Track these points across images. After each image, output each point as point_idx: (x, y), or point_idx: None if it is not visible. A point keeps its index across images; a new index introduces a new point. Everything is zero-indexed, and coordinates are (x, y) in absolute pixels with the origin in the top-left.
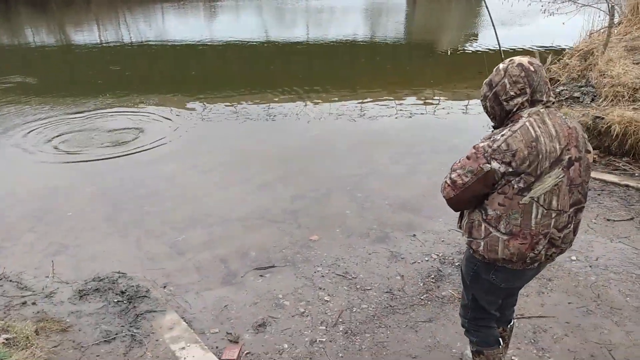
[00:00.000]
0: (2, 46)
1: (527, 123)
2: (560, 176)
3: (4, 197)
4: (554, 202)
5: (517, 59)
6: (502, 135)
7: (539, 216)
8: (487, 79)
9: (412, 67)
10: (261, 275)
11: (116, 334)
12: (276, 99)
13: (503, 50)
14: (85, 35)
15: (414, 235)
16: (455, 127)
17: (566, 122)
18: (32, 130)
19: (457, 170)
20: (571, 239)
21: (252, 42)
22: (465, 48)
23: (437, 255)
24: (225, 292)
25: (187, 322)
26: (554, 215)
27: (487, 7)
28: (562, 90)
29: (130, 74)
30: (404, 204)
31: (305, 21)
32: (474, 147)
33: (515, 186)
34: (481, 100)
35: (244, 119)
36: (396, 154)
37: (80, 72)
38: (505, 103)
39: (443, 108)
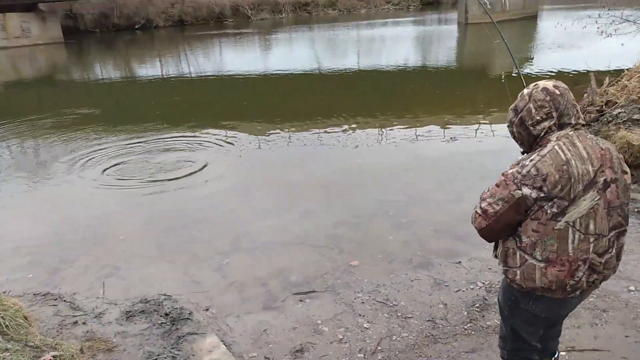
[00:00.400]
0: (73, 81)
1: (556, 147)
2: (596, 199)
3: (63, 221)
4: (592, 226)
5: (542, 83)
6: (531, 160)
7: (576, 241)
8: (513, 105)
9: (463, 92)
10: (301, 300)
11: (158, 355)
12: (325, 127)
13: (559, 73)
14: (148, 69)
15: (459, 262)
16: (503, 153)
17: (598, 143)
18: (92, 158)
19: (488, 199)
20: (614, 265)
21: (304, 72)
22: (522, 72)
23: (483, 283)
24: (265, 316)
25: (226, 346)
26: (592, 239)
27: (500, 34)
28: (620, 112)
29: (187, 104)
30: (449, 230)
31: (356, 50)
32: (503, 174)
33: (549, 211)
34: (508, 127)
35: (294, 145)
36: (442, 180)
37: (142, 103)
38: (532, 128)
39: (492, 133)
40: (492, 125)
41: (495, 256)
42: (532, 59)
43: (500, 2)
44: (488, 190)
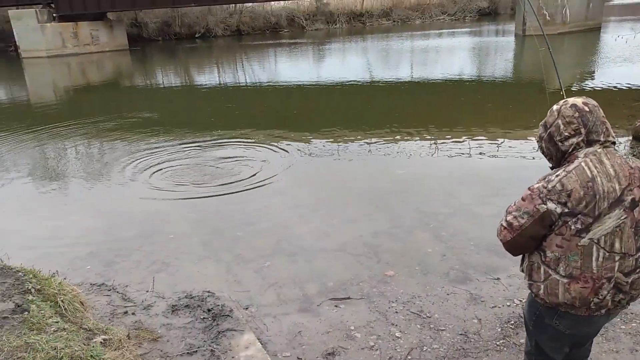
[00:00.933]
0: (136, 86)
1: (582, 163)
2: (622, 217)
3: (120, 218)
4: (617, 245)
5: (571, 99)
6: (557, 176)
7: (600, 259)
8: (543, 120)
9: (517, 106)
10: (336, 306)
11: (198, 348)
12: (373, 136)
13: (619, 88)
14: (207, 76)
15: (498, 278)
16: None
17: (628, 162)
18: (148, 160)
19: (513, 213)
20: None
21: (356, 81)
22: (581, 87)
23: (520, 301)
24: (300, 318)
25: (262, 344)
26: (617, 258)
27: (548, 46)
28: None
29: (241, 112)
30: (490, 246)
31: (409, 61)
32: (529, 189)
33: (573, 227)
34: (537, 142)
35: (342, 155)
36: (486, 194)
37: (199, 109)
38: (560, 144)
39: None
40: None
41: (522, 270)
42: (593, 73)
43: (561, 13)
44: (514, 204)
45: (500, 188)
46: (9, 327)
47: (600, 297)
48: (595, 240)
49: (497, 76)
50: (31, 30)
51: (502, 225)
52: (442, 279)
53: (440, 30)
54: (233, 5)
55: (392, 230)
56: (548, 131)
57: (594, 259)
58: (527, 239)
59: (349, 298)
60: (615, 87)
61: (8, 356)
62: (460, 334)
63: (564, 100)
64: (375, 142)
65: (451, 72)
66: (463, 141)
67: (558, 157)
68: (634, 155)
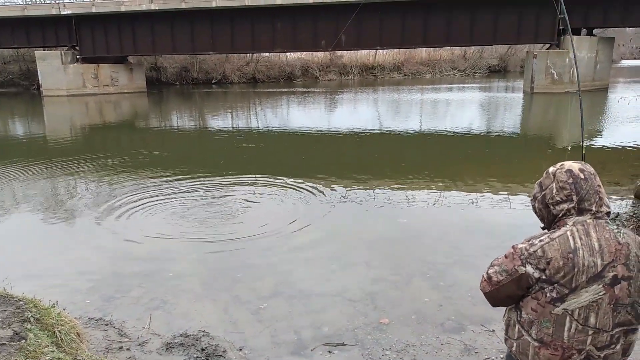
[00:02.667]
0: (152, 128)
1: (568, 232)
2: (600, 293)
3: (123, 253)
4: (592, 319)
5: (568, 164)
6: (540, 241)
7: (572, 330)
8: (539, 180)
9: (523, 161)
10: (329, 352)
11: None
12: (379, 185)
13: (624, 148)
14: (220, 121)
15: (493, 330)
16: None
17: (617, 237)
18: (155, 198)
19: (495, 267)
20: None
21: (367, 131)
22: (589, 144)
23: None
24: None
25: None
26: (590, 332)
27: (580, 103)
28: None
29: (250, 156)
30: None
31: (419, 113)
32: (513, 247)
33: (548, 295)
34: (531, 200)
35: (346, 200)
36: (488, 247)
37: (209, 152)
38: (551, 207)
39: None
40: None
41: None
42: (601, 132)
43: (569, 73)
44: (498, 259)
45: (502, 241)
46: (6, 354)
47: None
48: (569, 312)
49: (504, 131)
50: (55, 70)
51: (483, 275)
52: (437, 328)
53: (451, 85)
54: (250, 54)
55: (391, 278)
56: (543, 193)
57: (565, 329)
58: (503, 295)
59: (343, 344)
60: (620, 146)
61: None
62: None
63: (561, 164)
64: (380, 190)
65: (460, 125)
66: (468, 193)
67: (549, 219)
68: (635, 219)
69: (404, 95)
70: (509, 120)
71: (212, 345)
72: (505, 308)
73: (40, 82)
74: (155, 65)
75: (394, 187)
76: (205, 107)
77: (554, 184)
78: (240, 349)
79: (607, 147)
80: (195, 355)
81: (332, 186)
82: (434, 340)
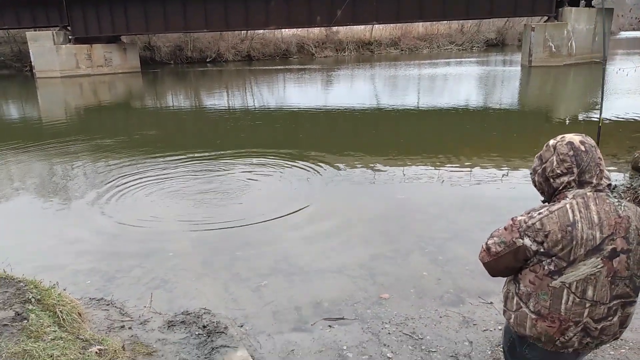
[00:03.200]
0: (147, 108)
1: (567, 205)
2: (598, 266)
3: (122, 236)
4: (589, 292)
5: (569, 136)
6: (539, 214)
7: (570, 303)
8: (539, 153)
9: (522, 135)
10: (330, 326)
11: None
12: (377, 162)
13: (623, 119)
14: (216, 100)
15: (491, 302)
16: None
17: (617, 210)
18: (153, 178)
19: (494, 238)
20: (614, 332)
21: (364, 108)
22: (587, 117)
23: None
24: (294, 337)
25: None
26: (588, 305)
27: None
28: None
29: (247, 134)
30: (485, 271)
31: (416, 89)
32: (512, 219)
33: (546, 267)
34: (530, 174)
35: (345, 179)
36: (485, 221)
37: (205, 131)
38: (552, 180)
39: None
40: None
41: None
42: (598, 103)
43: (567, 45)
44: (498, 230)
45: (499, 215)
46: (8, 334)
47: (566, 337)
48: (567, 285)
49: (503, 106)
50: (47, 52)
51: (482, 246)
52: (436, 302)
53: (448, 60)
54: (244, 31)
55: (389, 254)
56: (543, 166)
57: (563, 302)
58: (501, 267)
59: (343, 318)
60: (618, 118)
61: None
62: (451, 356)
63: (561, 136)
64: (377, 167)
65: (458, 100)
66: (466, 168)
67: (549, 192)
68: (632, 190)
69: (401, 70)
70: (507, 95)
71: (214, 322)
72: (504, 280)
73: (32, 64)
74: (149, 44)
75: (392, 163)
76: (200, 86)
77: (555, 157)
78: (242, 325)
79: (605, 119)
80: (197, 333)
81: (330, 164)
82: (432, 313)
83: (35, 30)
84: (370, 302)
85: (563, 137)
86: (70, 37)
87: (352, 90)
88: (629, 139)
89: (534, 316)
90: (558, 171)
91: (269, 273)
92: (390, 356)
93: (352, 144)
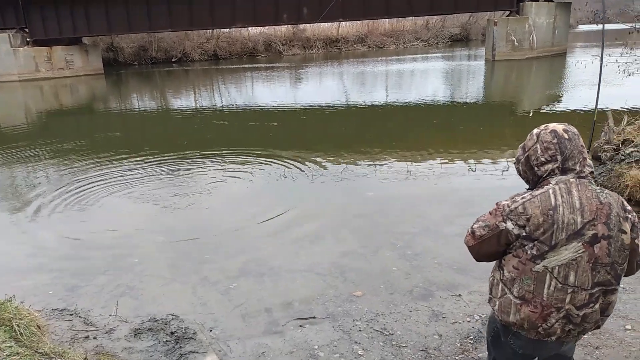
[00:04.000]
0: (111, 110)
1: (550, 190)
2: (579, 251)
3: (85, 243)
4: (571, 278)
5: (552, 125)
6: (522, 198)
7: (552, 288)
8: (522, 143)
9: (488, 128)
10: (301, 326)
11: None
12: (346, 159)
13: (577, 111)
14: (183, 100)
15: (459, 295)
16: (519, 189)
17: (599, 196)
18: (117, 181)
19: (479, 222)
20: (596, 320)
21: (332, 105)
22: (550, 109)
23: (480, 316)
24: (265, 339)
25: None
26: (569, 291)
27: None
28: (633, 151)
29: (215, 135)
30: (453, 263)
31: (384, 84)
32: (497, 204)
33: (529, 252)
34: (514, 163)
35: (314, 176)
36: (453, 214)
37: (172, 132)
38: (536, 168)
39: (512, 170)
40: (511, 161)
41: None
42: (561, 96)
43: (529, 39)
44: (484, 215)
45: (466, 208)
46: None
47: (549, 324)
48: (550, 269)
49: (468, 99)
50: (3, 55)
51: (468, 230)
52: (405, 296)
53: (415, 55)
54: (210, 30)
55: (359, 250)
56: (526, 154)
57: (545, 286)
58: (485, 251)
59: (313, 317)
60: (578, 109)
61: None
62: (421, 350)
63: (544, 125)
64: (348, 164)
65: (425, 95)
66: (434, 162)
67: (534, 180)
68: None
69: (369, 67)
70: (472, 89)
71: (182, 328)
72: (480, 271)
73: None
74: (112, 45)
75: (361, 160)
76: (166, 86)
77: (538, 145)
78: (211, 330)
79: (568, 110)
80: (164, 340)
81: (299, 162)
82: (402, 308)
83: None
84: (341, 299)
85: (547, 125)
86: (28, 39)
87: (321, 88)
88: (589, 129)
89: (518, 301)
90: (542, 159)
91: (238, 275)
92: (362, 353)
93: (321, 141)
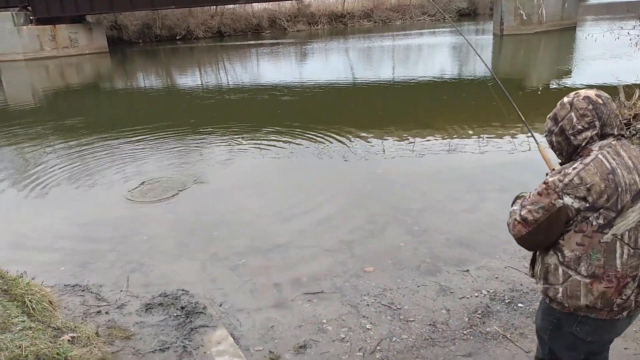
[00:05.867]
0: (117, 89)
1: (599, 155)
2: None
3: (95, 220)
4: None
5: (583, 92)
6: (574, 169)
7: (625, 256)
8: (551, 113)
9: (495, 104)
10: (309, 300)
11: (170, 344)
12: (353, 136)
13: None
14: (188, 78)
15: (467, 270)
16: (527, 165)
17: None
18: (125, 161)
19: (528, 207)
20: None
21: (338, 82)
22: (559, 84)
23: (488, 291)
24: (273, 313)
25: (234, 339)
26: None
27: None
28: None
29: (221, 113)
30: (461, 239)
31: (391, 61)
32: (544, 182)
33: (594, 223)
34: (545, 136)
35: (319, 154)
36: (460, 190)
37: (179, 110)
38: (572, 137)
39: (520, 145)
40: (520, 136)
41: (532, 275)
42: (571, 71)
43: (538, 13)
44: (529, 197)
45: (473, 184)
46: None
47: (624, 297)
48: (619, 236)
49: (477, 75)
50: (7, 34)
51: (515, 220)
52: (413, 272)
53: (421, 30)
54: (214, 7)
55: (367, 226)
56: (559, 124)
57: (617, 256)
58: (542, 235)
59: (322, 292)
60: (589, 83)
61: None
62: (429, 324)
63: (575, 93)
64: (353, 141)
65: (433, 71)
66: (445, 139)
67: (569, 151)
68: None
69: (375, 42)
70: (480, 64)
71: (192, 302)
72: (530, 261)
73: None
74: (116, 23)
75: (370, 137)
76: (171, 64)
77: (573, 113)
78: (221, 305)
79: (576, 84)
80: (175, 314)
81: (308, 140)
82: (410, 283)
83: None
84: (349, 275)
85: (577, 93)
86: (31, 17)
87: (328, 64)
88: None
89: (588, 280)
90: (579, 127)
91: (246, 251)
92: (369, 327)
93: (329, 118)
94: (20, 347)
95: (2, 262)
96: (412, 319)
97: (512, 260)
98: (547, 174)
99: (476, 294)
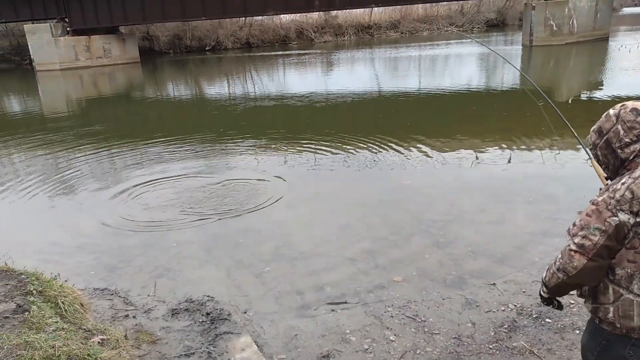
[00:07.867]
0: (148, 98)
1: None
2: None
3: (124, 227)
4: None
5: (630, 103)
6: (623, 184)
7: None
8: (596, 126)
9: (523, 116)
10: (333, 310)
11: (195, 350)
12: (380, 146)
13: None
14: (216, 88)
15: (494, 284)
16: (555, 179)
17: None
18: (153, 167)
19: (580, 233)
20: None
21: (364, 92)
22: (590, 96)
23: (515, 305)
24: (297, 322)
25: (258, 346)
26: None
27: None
28: None
29: (248, 122)
30: (487, 251)
31: (417, 71)
32: (593, 203)
33: None
34: (590, 149)
35: (346, 164)
36: (486, 202)
37: (207, 119)
38: (619, 151)
39: (549, 159)
40: (548, 150)
41: (581, 295)
42: (602, 83)
43: (568, 24)
44: (577, 223)
45: (500, 195)
46: (10, 326)
47: None
48: None
49: (504, 86)
50: (45, 44)
51: (571, 250)
52: (438, 284)
53: (448, 41)
54: (243, 18)
55: (391, 237)
56: (605, 137)
57: None
58: (603, 259)
59: (345, 302)
60: (621, 96)
61: (7, 354)
62: (454, 338)
63: (621, 105)
64: (380, 152)
65: (460, 81)
66: (471, 150)
67: (616, 165)
68: None
69: (402, 53)
70: (509, 75)
71: (217, 309)
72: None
73: (32, 57)
74: (148, 34)
75: (396, 148)
76: (200, 74)
77: (619, 126)
78: (245, 312)
79: (608, 97)
80: (200, 320)
81: (334, 150)
82: (435, 296)
83: (33, 23)
84: (373, 285)
85: (624, 104)
86: (68, 28)
87: (354, 74)
88: None
89: None
90: (627, 140)
91: (271, 259)
92: (393, 339)
93: (354, 128)
94: (53, 347)
95: (35, 264)
96: (436, 332)
97: (540, 274)
98: (600, 189)
99: (503, 308)
